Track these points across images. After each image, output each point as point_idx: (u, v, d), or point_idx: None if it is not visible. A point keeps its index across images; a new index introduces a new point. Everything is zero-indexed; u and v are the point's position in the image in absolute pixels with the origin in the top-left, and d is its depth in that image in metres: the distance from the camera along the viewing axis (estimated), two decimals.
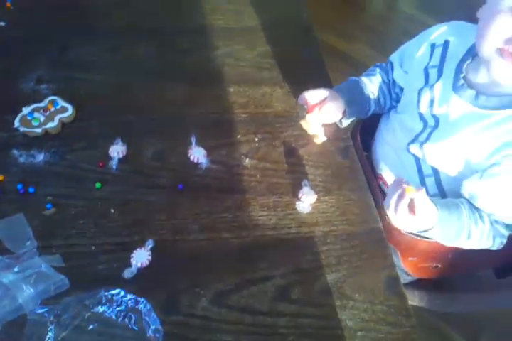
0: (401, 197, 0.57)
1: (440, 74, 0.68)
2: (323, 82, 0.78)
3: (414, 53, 0.72)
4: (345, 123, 0.76)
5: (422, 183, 0.73)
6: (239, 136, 0.73)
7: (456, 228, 0.63)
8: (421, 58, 0.71)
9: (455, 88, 0.65)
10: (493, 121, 0.62)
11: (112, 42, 0.81)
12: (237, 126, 0.74)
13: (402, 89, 0.77)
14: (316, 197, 0.67)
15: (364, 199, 0.70)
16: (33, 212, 0.60)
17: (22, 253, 0.55)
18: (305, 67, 0.85)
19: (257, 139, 0.73)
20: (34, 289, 0.52)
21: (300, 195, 0.67)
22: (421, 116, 0.70)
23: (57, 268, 0.55)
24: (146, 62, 0.80)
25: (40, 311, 0.51)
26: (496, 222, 0.64)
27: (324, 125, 0.74)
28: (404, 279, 0.84)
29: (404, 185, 0.57)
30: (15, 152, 0.64)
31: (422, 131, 0.70)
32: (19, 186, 0.61)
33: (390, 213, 0.59)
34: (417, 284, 0.82)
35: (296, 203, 0.67)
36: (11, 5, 0.81)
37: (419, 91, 0.70)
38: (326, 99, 0.72)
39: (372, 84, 0.77)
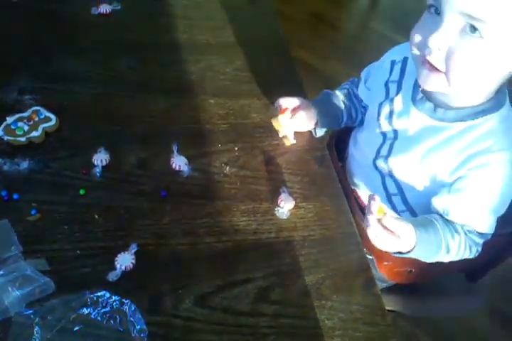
0: (371, 214, 0.58)
1: (399, 88, 0.74)
2: (298, 95, 0.84)
3: (377, 70, 0.79)
4: (319, 133, 0.83)
5: (389, 201, 0.78)
6: (219, 145, 0.78)
7: (435, 244, 0.65)
8: (382, 74, 0.77)
9: (414, 101, 0.70)
10: (452, 133, 0.66)
11: (93, 56, 0.86)
12: (218, 135, 0.80)
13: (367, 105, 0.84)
14: (294, 203, 0.72)
15: (340, 205, 0.76)
16: (18, 218, 0.62)
17: (7, 258, 0.57)
18: (281, 81, 0.91)
19: (236, 148, 0.78)
20: (20, 292, 0.54)
21: (279, 201, 0.72)
22: (380, 130, 0.75)
23: (43, 272, 0.58)
24: (127, 74, 0.84)
25: (25, 313, 0.54)
26: (470, 231, 0.68)
27: (298, 133, 0.80)
28: (380, 286, 0.89)
29: (377, 205, 0.58)
30: None
31: (382, 145, 0.75)
32: (3, 193, 0.63)
33: (370, 234, 0.60)
34: (392, 289, 0.88)
35: (275, 209, 0.72)
36: None
37: (380, 104, 0.75)
38: (299, 107, 0.78)
39: (344, 97, 0.84)
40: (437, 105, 0.67)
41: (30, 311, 0.54)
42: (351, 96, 0.85)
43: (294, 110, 0.78)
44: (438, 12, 0.58)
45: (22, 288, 0.54)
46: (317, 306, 0.64)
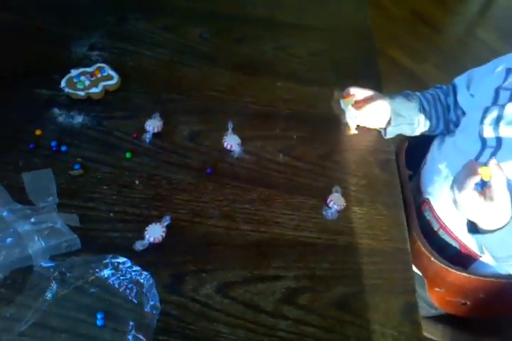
0: (470, 175, 0.57)
1: None
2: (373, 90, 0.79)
3: (486, 76, 0.73)
4: (389, 134, 0.78)
5: None
6: (277, 131, 0.76)
7: None
8: (493, 80, 0.71)
9: None
10: None
11: (169, 21, 0.87)
12: (278, 120, 0.77)
13: (463, 113, 0.78)
14: (345, 205, 0.68)
15: (396, 216, 0.71)
16: (61, 170, 0.64)
17: (42, 207, 0.59)
18: (359, 73, 0.87)
19: (295, 137, 0.76)
20: (45, 243, 0.55)
21: (329, 201, 0.69)
22: (480, 136, 0.69)
23: (72, 228, 0.59)
24: (199, 45, 0.84)
25: (46, 265, 0.55)
26: None
27: (366, 131, 0.76)
28: (428, 312, 0.82)
29: (480, 167, 0.56)
30: (56, 111, 0.70)
31: (481, 152, 0.69)
32: (53, 143, 0.65)
33: (455, 193, 0.58)
34: (442, 318, 0.81)
35: (323, 208, 0.68)
36: None
37: (486, 109, 0.70)
38: (371, 99, 0.74)
39: (426, 103, 0.78)
40: None
41: (52, 264, 0.55)
42: (436, 103, 0.79)
43: (365, 101, 0.75)
44: None
45: (49, 240, 0.56)
46: (346, 321, 0.60)
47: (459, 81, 0.78)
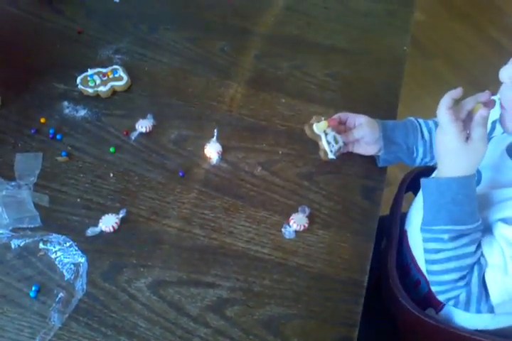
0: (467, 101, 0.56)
1: None
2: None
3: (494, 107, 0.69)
4: (384, 162, 0.74)
5: None
6: (264, 145, 0.77)
7: (468, 213, 0.57)
8: (495, 111, 0.67)
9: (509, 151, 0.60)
10: None
11: (195, 33, 0.92)
12: (269, 135, 0.78)
13: None
14: (305, 226, 0.67)
15: (363, 247, 0.67)
16: (50, 155, 0.71)
17: (21, 185, 0.67)
18: (374, 100, 0.85)
19: (280, 152, 0.76)
20: (8, 215, 0.63)
21: (290, 219, 0.68)
22: None
23: (39, 207, 0.66)
24: (216, 57, 0.89)
25: (4, 234, 0.62)
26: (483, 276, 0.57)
27: (359, 156, 0.74)
28: None
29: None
30: (65, 104, 0.78)
31: None
32: (51, 131, 0.74)
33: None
34: None
35: (283, 225, 0.68)
36: None
37: None
38: (360, 125, 0.72)
39: (427, 130, 0.74)
40: None
41: (9, 234, 0.62)
42: None
43: (354, 127, 0.73)
44: None
45: (11, 213, 0.63)
46: None
47: None
